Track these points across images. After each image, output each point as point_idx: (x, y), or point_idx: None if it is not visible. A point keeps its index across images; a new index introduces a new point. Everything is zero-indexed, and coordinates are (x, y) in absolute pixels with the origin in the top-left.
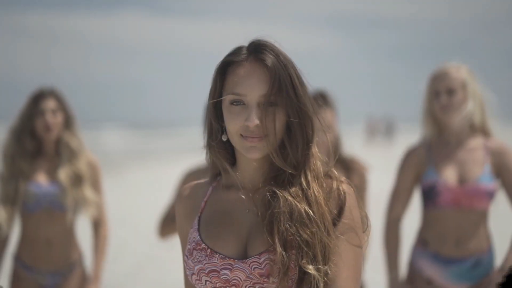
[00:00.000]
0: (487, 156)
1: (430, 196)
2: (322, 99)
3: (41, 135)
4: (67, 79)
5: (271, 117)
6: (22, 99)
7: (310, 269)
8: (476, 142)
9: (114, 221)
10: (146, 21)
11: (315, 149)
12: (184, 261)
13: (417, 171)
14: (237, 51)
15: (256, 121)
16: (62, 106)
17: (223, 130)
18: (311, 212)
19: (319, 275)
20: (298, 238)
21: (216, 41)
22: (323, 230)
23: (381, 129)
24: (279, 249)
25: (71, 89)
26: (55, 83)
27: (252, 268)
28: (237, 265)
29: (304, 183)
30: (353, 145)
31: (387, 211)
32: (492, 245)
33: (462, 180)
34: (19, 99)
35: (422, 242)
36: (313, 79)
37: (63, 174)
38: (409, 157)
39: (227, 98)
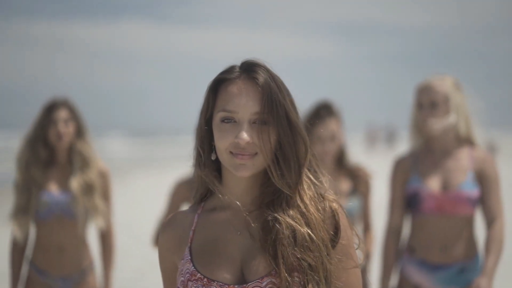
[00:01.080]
0: (471, 164)
1: (414, 203)
2: (327, 109)
3: (53, 144)
4: (69, 87)
5: (263, 136)
6: (25, 106)
7: None
8: (461, 151)
9: (117, 227)
10: (147, 29)
11: (306, 170)
12: None
13: (404, 179)
14: (229, 69)
15: (247, 138)
16: (74, 115)
17: (212, 149)
18: (313, 235)
19: None
20: (303, 263)
21: (217, 48)
22: (325, 253)
23: (382, 136)
24: (284, 274)
25: (72, 97)
26: (57, 91)
27: None
28: None
29: (301, 206)
30: (354, 153)
31: (386, 221)
32: (479, 251)
33: (445, 186)
34: (22, 106)
35: (409, 249)
36: (316, 86)
37: (75, 183)
38: (397, 166)
39: (218, 116)
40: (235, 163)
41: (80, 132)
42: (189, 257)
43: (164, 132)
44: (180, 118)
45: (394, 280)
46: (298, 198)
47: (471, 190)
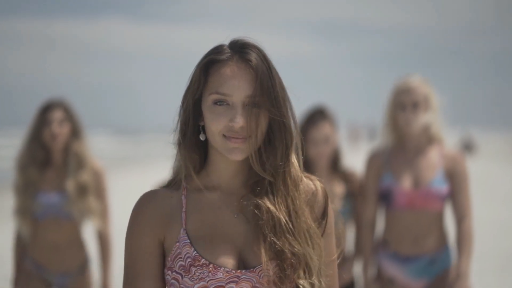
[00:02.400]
0: (441, 161)
1: (387, 200)
2: (321, 113)
3: (48, 145)
4: (56, 84)
5: (255, 119)
6: (12, 104)
7: (303, 283)
8: (432, 149)
9: None
10: (133, 27)
11: (293, 155)
12: (174, 278)
13: (377, 175)
14: (219, 49)
15: (242, 122)
16: (69, 116)
17: (198, 130)
18: (296, 222)
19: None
20: (286, 251)
21: (203, 46)
22: (308, 239)
23: (364, 134)
24: (264, 259)
25: (58, 94)
26: (45, 89)
27: (261, 276)
28: (244, 276)
29: (284, 192)
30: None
31: (361, 215)
32: (448, 243)
33: (416, 183)
34: (9, 104)
35: (383, 242)
36: (300, 85)
37: (70, 184)
38: (370, 162)
39: (210, 98)
40: (228, 147)
41: (75, 132)
42: (188, 241)
43: (151, 130)
44: (166, 116)
45: (373, 271)
46: (282, 183)
47: (441, 187)
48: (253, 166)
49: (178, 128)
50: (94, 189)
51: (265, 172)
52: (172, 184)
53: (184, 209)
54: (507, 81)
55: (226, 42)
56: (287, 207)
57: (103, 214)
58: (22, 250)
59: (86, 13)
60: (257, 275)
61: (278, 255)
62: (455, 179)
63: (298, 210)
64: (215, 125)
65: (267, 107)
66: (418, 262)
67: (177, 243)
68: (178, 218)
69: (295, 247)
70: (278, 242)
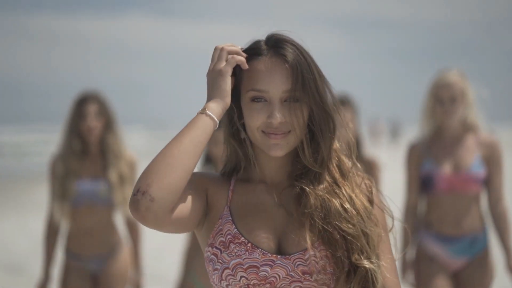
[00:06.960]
0: (478, 147)
1: (429, 184)
2: (341, 101)
3: (85, 137)
4: (71, 82)
5: (296, 113)
6: (25, 101)
7: (365, 263)
8: (468, 137)
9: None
10: (150, 23)
11: (337, 144)
12: (213, 254)
13: (418, 162)
14: (255, 45)
15: (281, 118)
16: (104, 109)
17: (242, 128)
18: (347, 205)
19: (374, 268)
20: (342, 233)
21: (225, 41)
22: (362, 220)
23: (385, 130)
24: (309, 244)
25: (74, 92)
26: (59, 86)
27: (296, 265)
28: (279, 262)
29: (330, 180)
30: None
31: (405, 199)
32: (486, 224)
33: (456, 168)
34: (21, 101)
35: (426, 224)
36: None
37: (112, 174)
38: (412, 151)
39: (247, 95)
40: (268, 143)
41: (109, 125)
42: (230, 218)
43: (173, 125)
44: (183, 112)
45: (411, 252)
46: (327, 173)
47: (479, 171)
48: (303, 160)
49: (225, 128)
50: (130, 178)
51: (315, 164)
52: (229, 171)
53: (231, 188)
54: None
55: (263, 37)
56: (337, 192)
57: None
58: (55, 238)
59: (108, 9)
60: (292, 263)
61: (328, 241)
62: (491, 164)
63: (349, 195)
64: (253, 122)
65: (307, 101)
66: (460, 242)
67: (220, 220)
68: (225, 194)
69: (350, 230)
70: (328, 228)
